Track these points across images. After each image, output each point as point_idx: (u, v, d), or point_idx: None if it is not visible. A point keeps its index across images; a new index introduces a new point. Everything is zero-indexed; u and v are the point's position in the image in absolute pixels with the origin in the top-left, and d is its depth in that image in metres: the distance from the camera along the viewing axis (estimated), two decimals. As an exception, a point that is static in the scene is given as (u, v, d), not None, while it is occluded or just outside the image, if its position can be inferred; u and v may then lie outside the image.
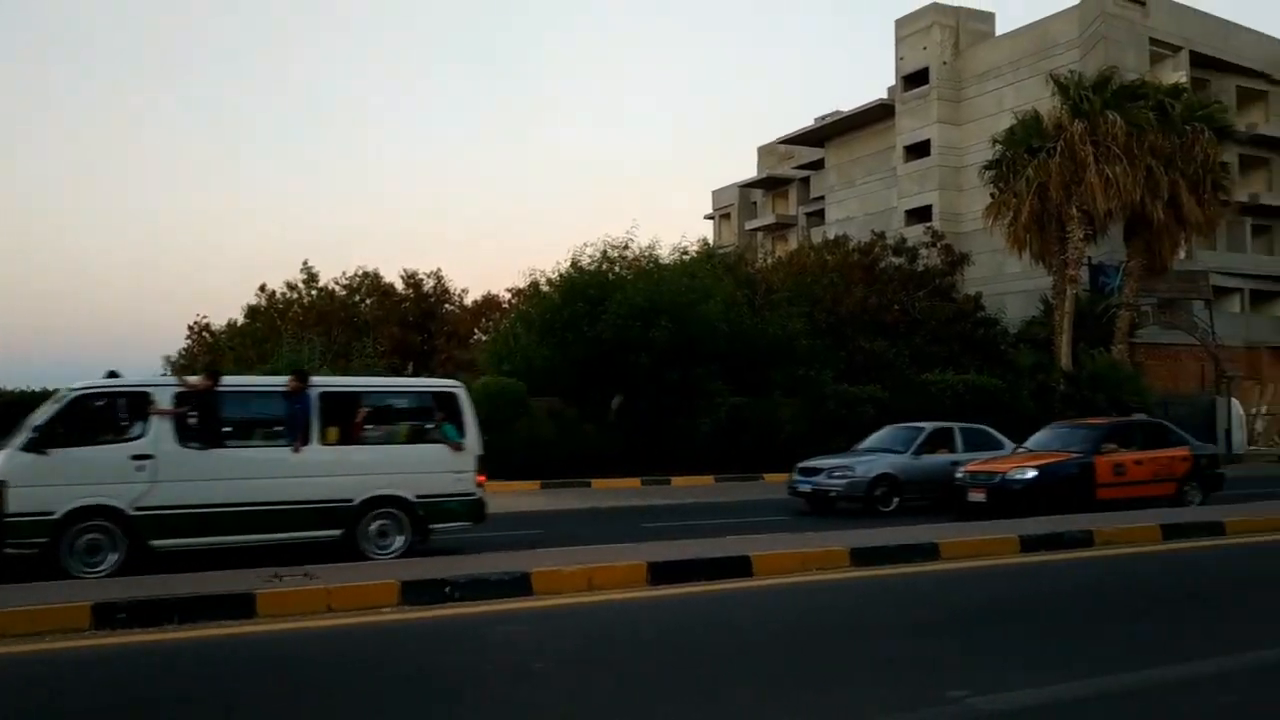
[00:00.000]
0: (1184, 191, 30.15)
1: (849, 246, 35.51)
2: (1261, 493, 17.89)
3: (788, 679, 6.16)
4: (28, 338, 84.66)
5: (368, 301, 38.13)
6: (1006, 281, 38.66)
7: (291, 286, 37.97)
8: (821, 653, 6.87)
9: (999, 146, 32.43)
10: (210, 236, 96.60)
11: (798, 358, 26.30)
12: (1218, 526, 12.67)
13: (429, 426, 11.99)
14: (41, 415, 10.35)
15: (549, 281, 26.44)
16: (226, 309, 63.80)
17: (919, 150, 44.34)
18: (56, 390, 12.00)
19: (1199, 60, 39.98)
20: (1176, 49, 39.46)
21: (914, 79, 44.55)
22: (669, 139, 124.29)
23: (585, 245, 25.93)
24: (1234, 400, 31.37)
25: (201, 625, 7.67)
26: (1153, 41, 38.80)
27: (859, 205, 47.99)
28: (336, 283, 38.32)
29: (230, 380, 11.42)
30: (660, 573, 9.45)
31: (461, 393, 12.19)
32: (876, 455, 17.45)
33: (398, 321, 36.94)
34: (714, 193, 62.96)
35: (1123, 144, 29.41)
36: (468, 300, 40.43)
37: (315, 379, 11.75)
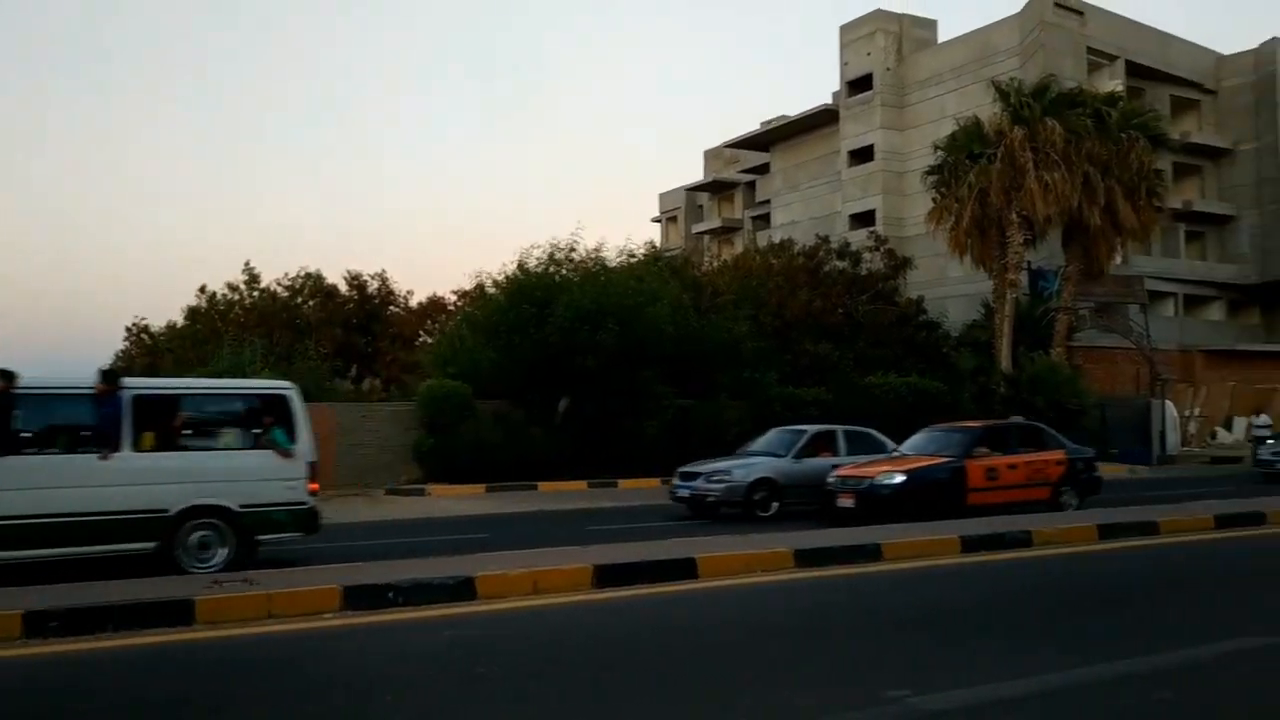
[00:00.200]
0: (1120, 198, 30.76)
1: (794, 250, 35.76)
2: (1162, 495, 18.29)
3: (728, 680, 6.18)
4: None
5: (310, 303, 37.60)
6: (948, 285, 39.18)
7: (233, 288, 37.34)
8: (764, 654, 6.90)
9: (941, 152, 32.86)
10: (149, 236, 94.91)
11: (743, 360, 26.44)
12: (1152, 526, 12.95)
13: (256, 431, 11.24)
14: None
15: (495, 284, 26.31)
16: (166, 310, 62.56)
17: (863, 155, 44.80)
18: None
19: (1134, 70, 40.84)
20: (1113, 58, 40.27)
21: (858, 85, 45.01)
22: (616, 142, 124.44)
23: (532, 247, 25.88)
24: (1168, 402, 32.06)
25: (138, 633, 7.52)
26: (1090, 50, 39.55)
27: (804, 209, 48.36)
28: (279, 284, 37.78)
29: (29, 381, 10.49)
30: (606, 575, 9.44)
31: (293, 395, 11.49)
32: (757, 459, 17.21)
33: (341, 323, 36.47)
34: (661, 196, 63.14)
35: (1061, 151, 29.95)
36: (413, 302, 40.09)
37: (129, 381, 11.03)
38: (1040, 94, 31.38)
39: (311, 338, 32.20)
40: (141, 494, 10.35)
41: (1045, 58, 37.39)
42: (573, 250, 25.86)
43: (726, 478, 16.50)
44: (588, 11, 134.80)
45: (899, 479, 14.61)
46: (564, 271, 25.35)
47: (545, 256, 25.53)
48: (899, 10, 44.96)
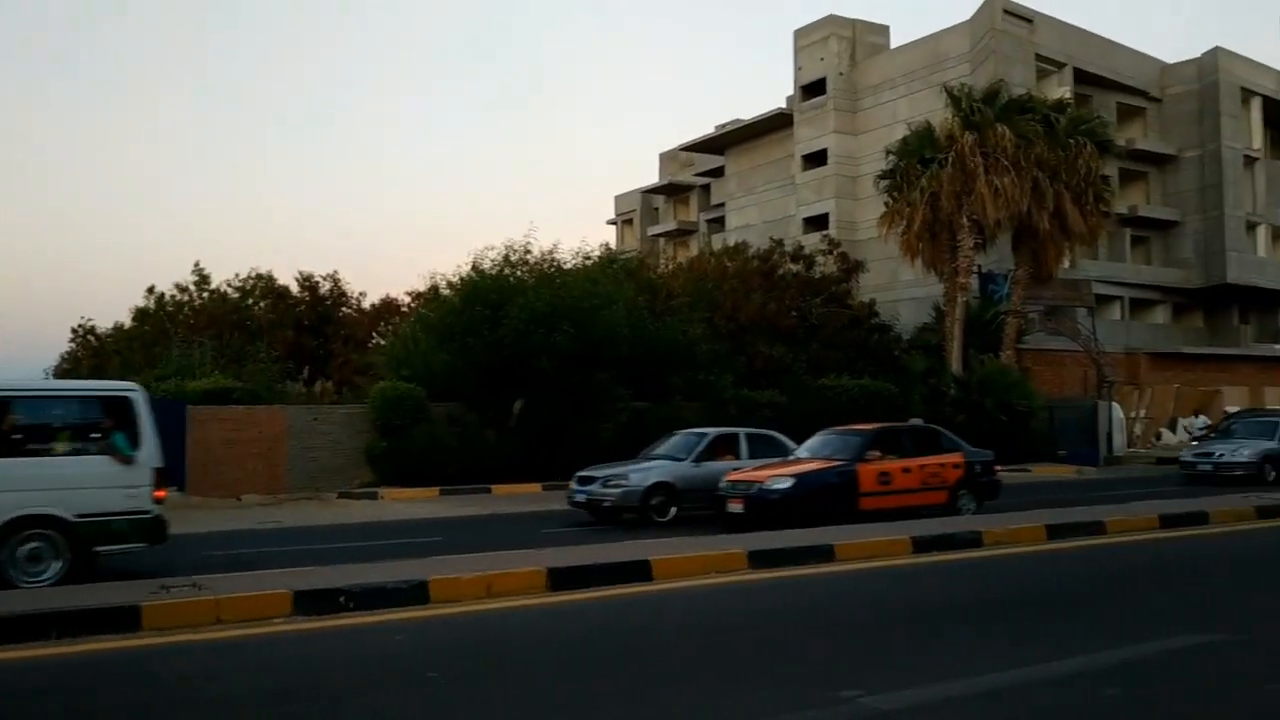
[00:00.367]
0: (1068, 203, 31.23)
1: (748, 253, 35.94)
2: (1109, 495, 18.61)
3: (683, 682, 6.20)
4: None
5: (261, 304, 37.09)
6: (900, 289, 39.56)
7: (182, 289, 36.72)
8: (718, 655, 6.93)
9: (893, 157, 33.17)
10: (95, 236, 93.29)
11: (698, 363, 26.51)
12: (1099, 526, 13.17)
13: (96, 436, 10.55)
14: None
15: (449, 285, 26.15)
16: (113, 311, 61.47)
17: (816, 159, 45.10)
18: None
19: (1082, 77, 41.49)
20: (1061, 65, 40.87)
21: (812, 89, 45.31)
22: (571, 144, 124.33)
23: (486, 249, 25.73)
24: (1115, 404, 32.59)
25: (83, 640, 7.38)
26: (1039, 58, 40.11)
27: (759, 212, 48.61)
28: (229, 285, 37.23)
29: None
30: (560, 578, 9.42)
31: (137, 397, 10.77)
32: (655, 464, 16.86)
33: (292, 325, 36.00)
34: (616, 198, 63.16)
35: (1011, 156, 30.35)
36: (366, 304, 39.67)
37: None
38: (991, 99, 31.79)
39: (262, 339, 31.77)
40: None
41: (995, 64, 37.88)
42: (528, 252, 25.78)
43: (623, 482, 16.14)
44: (543, 14, 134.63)
45: (787, 484, 14.23)
46: (519, 273, 25.25)
47: (500, 258, 25.42)
48: (852, 16, 45.36)
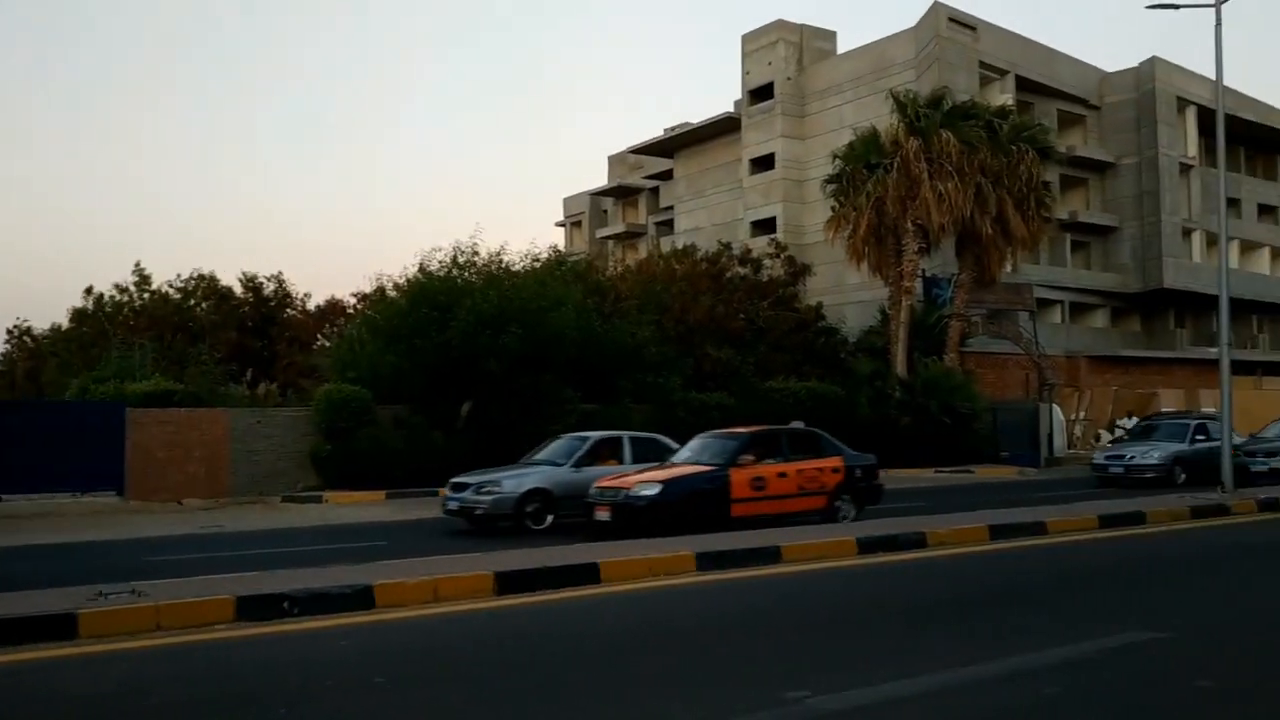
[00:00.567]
0: (1010, 208, 31.76)
1: (697, 256, 36.08)
2: (1049, 496, 18.96)
3: (629, 685, 6.21)
4: None
5: (203, 305, 36.55)
6: (846, 292, 39.93)
7: (121, 289, 36.09)
8: (665, 658, 6.94)
9: (839, 161, 33.50)
10: (32, 236, 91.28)
11: (647, 365, 26.56)
12: (1040, 527, 13.40)
13: None
14: None
15: (396, 287, 25.95)
16: (50, 312, 60.02)
17: (764, 163, 45.39)
18: None
19: (1024, 84, 42.19)
20: (1004, 73, 41.53)
21: (759, 93, 45.60)
22: (521, 146, 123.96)
23: (434, 250, 25.56)
24: (1055, 407, 33.16)
25: (15, 649, 7.21)
26: (982, 65, 40.71)
27: (707, 216, 48.81)
28: (170, 285, 36.63)
29: None
30: (507, 582, 9.39)
31: None
32: (533, 469, 16.26)
33: (236, 326, 35.52)
34: (565, 200, 63.07)
35: (955, 161, 30.79)
36: (311, 305, 39.24)
37: None
38: (935, 105, 32.23)
39: (205, 341, 31.33)
40: None
41: (939, 71, 38.40)
42: (475, 254, 25.65)
43: (496, 489, 15.41)
44: (491, 16, 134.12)
45: (654, 490, 13.66)
46: (467, 275, 25.11)
47: (448, 259, 25.27)
48: (799, 21, 45.70)
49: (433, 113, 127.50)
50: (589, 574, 9.87)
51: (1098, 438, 37.81)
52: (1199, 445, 22.95)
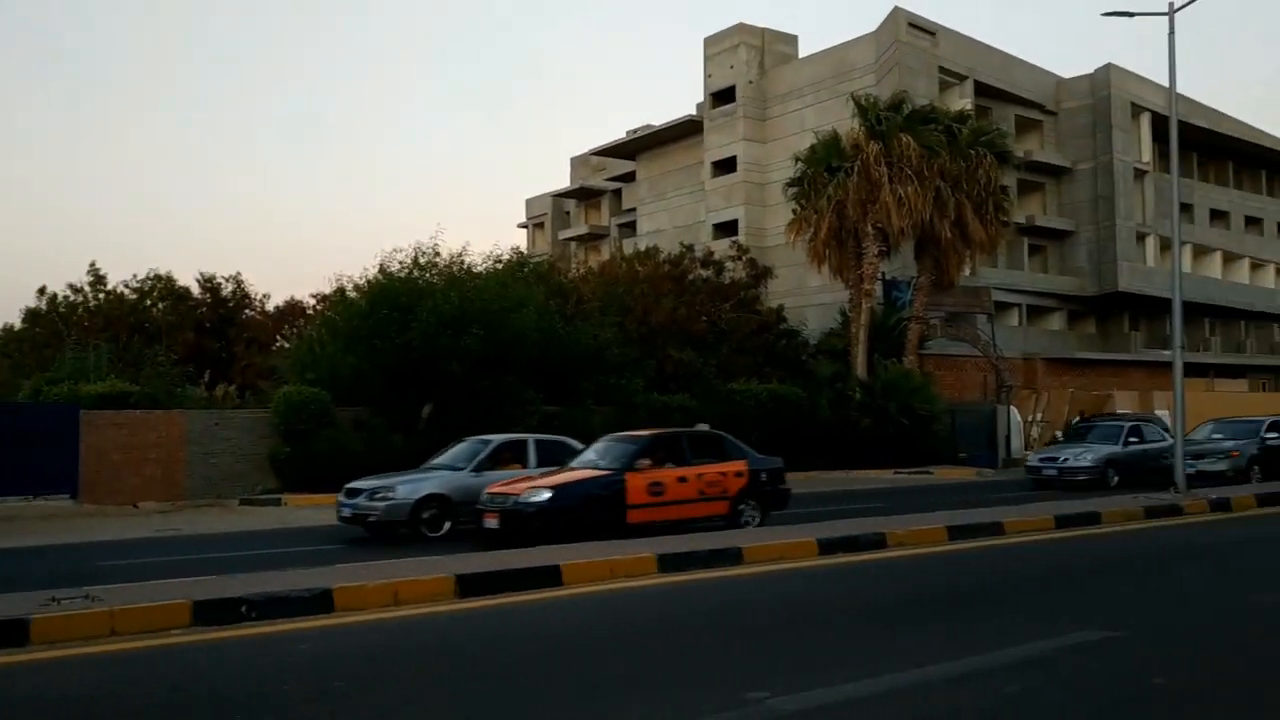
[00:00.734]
0: (969, 212, 32.10)
1: (659, 258, 36.12)
2: (1005, 497, 19.17)
3: (590, 687, 6.20)
4: None
5: (160, 306, 36.03)
6: (807, 295, 40.16)
7: (76, 289, 35.53)
8: (626, 659, 6.95)
9: (801, 165, 33.69)
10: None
11: (609, 367, 26.54)
12: (998, 527, 13.55)
13: None
14: None
15: (356, 288, 25.71)
16: (2, 312, 59.03)
17: (726, 166, 45.56)
18: None
19: (982, 90, 42.66)
20: (963, 78, 41.97)
21: (721, 96, 45.77)
22: (483, 147, 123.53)
23: (394, 251, 25.37)
24: (1013, 408, 33.53)
25: (-35, 656, 7.08)
26: (942, 70, 41.10)
27: (669, 218, 48.90)
28: (126, 286, 36.09)
29: None
30: (469, 585, 9.35)
31: None
32: (431, 474, 15.73)
33: (193, 327, 35.05)
34: (527, 201, 62.93)
35: (915, 165, 31.07)
36: (270, 306, 38.81)
37: None
38: (896, 109, 32.51)
39: (161, 342, 30.88)
40: None
41: (899, 75, 38.73)
42: (437, 255, 25.48)
43: (390, 495, 14.88)
44: (454, 15, 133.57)
45: (544, 496, 13.09)
46: (428, 276, 24.96)
47: (409, 260, 25.09)
48: (761, 25, 45.91)
49: (395, 114, 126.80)
50: (551, 576, 9.85)
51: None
52: (1132, 447, 22.99)
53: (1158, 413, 35.78)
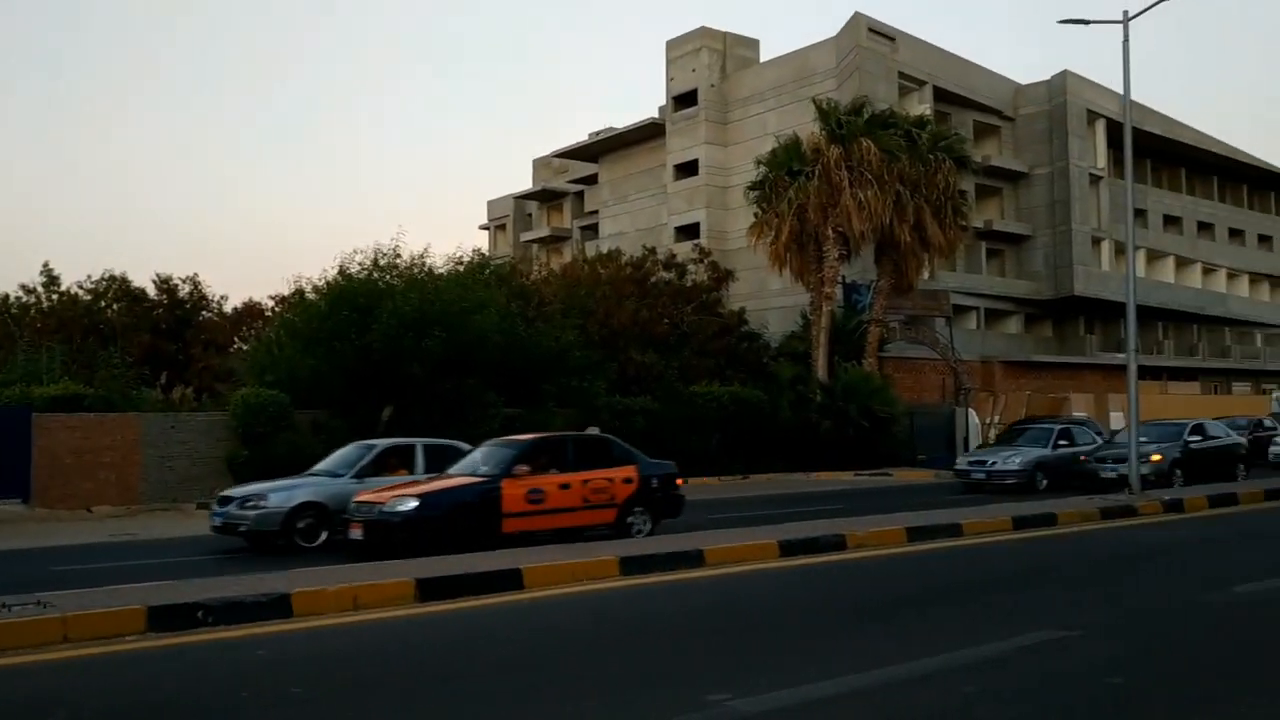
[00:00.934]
0: (928, 216, 32.37)
1: (621, 261, 36.13)
2: (964, 499, 19.33)
3: (550, 690, 6.18)
4: None
5: (115, 307, 35.50)
6: (769, 298, 40.33)
7: (28, 290, 34.94)
8: (588, 662, 6.94)
9: (762, 168, 33.82)
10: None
11: (571, 369, 26.49)
12: (956, 528, 13.68)
13: None
14: None
15: (315, 289, 25.47)
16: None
17: (688, 169, 45.68)
18: None
19: (941, 95, 43.07)
20: (922, 83, 42.35)
21: (683, 100, 45.88)
22: (445, 148, 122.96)
23: (354, 252, 25.15)
24: (971, 410, 33.85)
25: (-88, 664, 6.93)
26: (901, 75, 41.46)
27: (631, 221, 48.95)
28: (80, 287, 35.53)
29: None
30: (429, 589, 9.29)
31: None
32: (306, 480, 14.96)
33: (149, 329, 34.56)
34: (489, 203, 62.70)
35: (875, 170, 31.28)
36: (227, 307, 38.36)
37: None
38: (857, 113, 32.73)
39: (116, 344, 30.40)
40: None
41: (860, 80, 39.02)
42: (397, 256, 25.31)
43: (261, 504, 14.16)
44: (414, 14, 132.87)
45: (409, 505, 12.33)
46: (388, 278, 24.78)
47: (368, 262, 24.90)
48: (723, 29, 46.08)
49: (356, 115, 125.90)
50: (512, 580, 9.82)
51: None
52: (1062, 451, 22.72)
53: (1112, 415, 36.34)
